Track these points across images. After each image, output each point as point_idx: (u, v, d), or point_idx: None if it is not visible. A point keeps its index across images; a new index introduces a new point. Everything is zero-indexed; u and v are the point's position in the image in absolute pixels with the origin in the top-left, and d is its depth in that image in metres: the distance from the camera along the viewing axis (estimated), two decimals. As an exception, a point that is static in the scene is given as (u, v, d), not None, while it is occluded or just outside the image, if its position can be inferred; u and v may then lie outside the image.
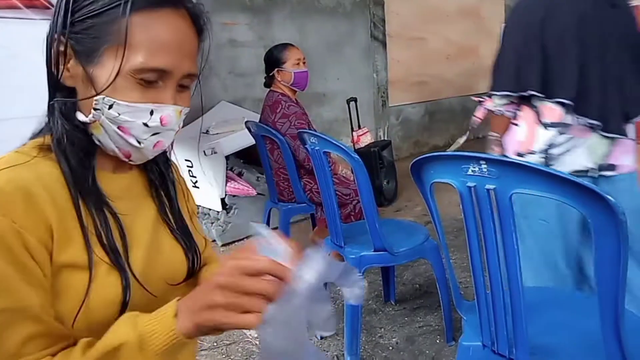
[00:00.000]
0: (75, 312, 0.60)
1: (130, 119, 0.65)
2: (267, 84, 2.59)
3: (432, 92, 5.86)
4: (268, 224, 2.72)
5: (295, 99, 2.54)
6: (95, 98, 0.63)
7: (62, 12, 0.63)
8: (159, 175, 0.79)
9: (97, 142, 0.68)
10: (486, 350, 1.08)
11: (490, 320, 1.03)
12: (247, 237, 3.27)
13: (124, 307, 0.63)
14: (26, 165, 0.61)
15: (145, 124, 0.65)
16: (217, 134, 3.15)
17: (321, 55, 4.48)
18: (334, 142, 1.69)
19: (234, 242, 3.22)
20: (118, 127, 0.65)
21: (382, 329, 2.05)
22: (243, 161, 3.40)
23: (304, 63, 2.52)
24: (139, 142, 0.66)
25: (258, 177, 3.30)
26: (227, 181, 3.12)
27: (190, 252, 0.76)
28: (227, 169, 3.12)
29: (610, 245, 0.80)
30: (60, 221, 0.60)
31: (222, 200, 3.14)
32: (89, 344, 0.58)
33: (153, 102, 0.65)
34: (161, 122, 0.66)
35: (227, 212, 3.18)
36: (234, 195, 3.16)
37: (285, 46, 2.53)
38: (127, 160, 0.69)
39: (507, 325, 0.99)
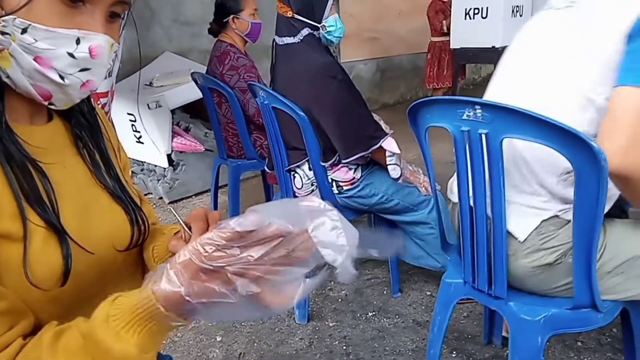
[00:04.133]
0: (18, 290, 0.53)
1: (50, 47, 0.53)
2: (215, 32, 2.46)
3: (383, 49, 5.84)
4: (217, 181, 2.66)
5: (245, 51, 2.44)
6: (2, 19, 0.51)
7: None
8: (87, 128, 0.68)
9: (5, 79, 0.55)
10: (467, 286, 1.16)
11: (474, 260, 1.09)
12: (195, 195, 3.20)
13: (66, 276, 0.57)
14: None
15: (71, 55, 0.54)
16: (162, 86, 3.00)
17: (271, 6, 4.30)
18: (282, 99, 1.64)
19: (181, 199, 3.14)
20: (35, 58, 0.53)
21: (332, 282, 2.10)
22: (190, 115, 3.28)
23: (257, 15, 2.42)
24: (62, 78, 0.55)
25: (206, 133, 3.20)
26: (173, 136, 3.00)
27: (132, 213, 0.68)
28: (173, 124, 3.00)
29: (591, 189, 0.85)
30: None
31: (169, 156, 3.03)
32: (57, 333, 0.51)
33: (79, 28, 0.54)
34: (90, 53, 0.55)
35: (174, 169, 3.09)
36: (180, 152, 3.06)
37: None
38: (46, 103, 0.58)
39: (488, 264, 1.06)
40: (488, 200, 1.00)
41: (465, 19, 4.26)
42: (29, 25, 0.51)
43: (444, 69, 5.17)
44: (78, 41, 0.54)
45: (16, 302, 0.53)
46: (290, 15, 1.70)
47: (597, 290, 0.96)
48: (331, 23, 1.71)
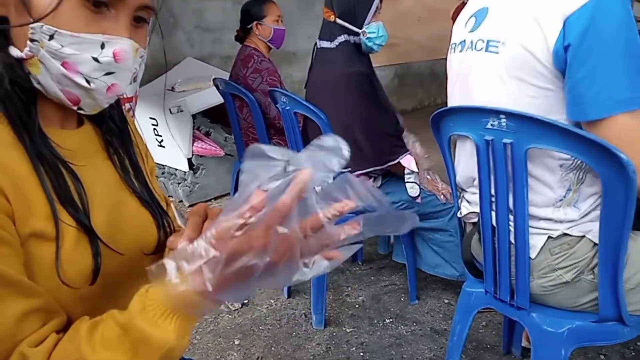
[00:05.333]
0: (45, 287, 0.54)
1: (76, 52, 0.54)
2: (241, 39, 2.51)
3: (401, 55, 5.82)
4: (236, 185, 2.69)
5: (269, 57, 2.48)
6: (31, 26, 0.53)
7: None
8: (118, 135, 0.70)
9: (36, 85, 0.57)
10: (488, 295, 1.15)
11: (495, 270, 1.08)
12: (214, 199, 3.24)
13: (95, 275, 0.58)
14: None
15: (96, 59, 0.55)
16: (183, 91, 3.04)
17: (291, 12, 4.35)
18: (304, 103, 1.66)
19: (201, 202, 3.18)
20: (62, 64, 0.55)
21: (349, 288, 2.11)
22: (210, 120, 3.32)
23: (282, 20, 2.46)
24: (89, 82, 0.56)
25: (226, 138, 3.24)
26: (194, 141, 3.04)
27: (159, 218, 0.70)
28: (194, 128, 3.04)
29: (619, 201, 0.85)
30: (16, 189, 0.52)
31: (189, 160, 3.07)
32: (92, 325, 0.52)
33: (104, 33, 0.55)
34: (115, 57, 0.56)
35: (195, 173, 3.13)
36: (201, 156, 3.10)
37: (266, 0, 2.45)
38: (75, 108, 0.59)
39: (510, 275, 1.05)
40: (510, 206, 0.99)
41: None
42: (56, 31, 0.53)
43: None
44: (103, 46, 0.55)
45: (50, 300, 0.55)
46: (332, 20, 1.68)
47: (625, 304, 0.94)
48: (372, 30, 1.68)
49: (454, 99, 1.14)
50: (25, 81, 0.57)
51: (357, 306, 1.98)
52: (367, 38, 1.68)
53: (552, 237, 0.99)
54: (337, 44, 1.69)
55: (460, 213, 1.20)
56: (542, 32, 0.88)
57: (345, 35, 1.68)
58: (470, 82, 1.05)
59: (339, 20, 1.67)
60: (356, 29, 1.68)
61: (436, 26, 5.78)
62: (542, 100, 0.92)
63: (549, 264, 1.00)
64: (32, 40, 0.54)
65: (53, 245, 0.54)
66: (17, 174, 0.53)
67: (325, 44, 1.72)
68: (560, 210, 0.97)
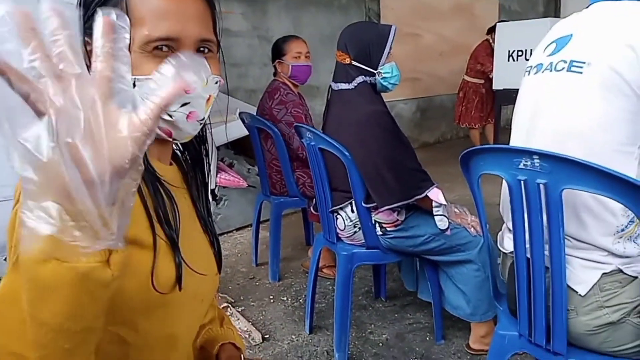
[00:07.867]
0: (136, 291, 0.60)
1: None
2: (274, 73, 2.58)
3: (424, 89, 5.87)
4: (259, 217, 2.69)
5: (298, 92, 2.53)
6: None
7: (80, 13, 0.63)
8: (195, 177, 0.79)
9: None
10: (522, 339, 1.10)
11: (530, 313, 1.04)
12: (236, 230, 3.24)
13: (179, 285, 0.65)
14: None
15: None
16: (209, 124, 3.11)
17: (315, 47, 4.42)
18: (329, 140, 1.67)
19: (223, 233, 3.19)
20: None
21: (372, 325, 2.05)
22: (234, 152, 3.37)
23: (306, 57, 2.49)
24: (170, 115, 0.64)
25: (249, 169, 3.27)
26: (217, 172, 3.08)
27: (215, 245, 0.78)
28: (217, 160, 3.09)
29: None
30: None
31: (212, 191, 3.10)
32: None
33: None
34: (184, 91, 0.64)
35: (217, 204, 3.15)
36: (224, 187, 3.13)
37: (288, 38, 2.52)
38: (169, 138, 0.67)
39: (546, 317, 1.01)
40: (546, 252, 0.96)
41: (509, 60, 4.25)
42: (135, 79, 0.61)
43: (471, 110, 5.10)
44: None
45: None
46: (347, 62, 1.75)
47: None
48: (387, 70, 1.74)
49: (522, 121, 1.13)
50: None
51: (380, 344, 1.92)
52: (383, 78, 1.74)
53: (605, 273, 0.95)
54: (355, 84, 1.74)
55: (504, 248, 1.17)
56: (637, 56, 0.89)
57: (362, 76, 1.74)
58: (545, 101, 1.05)
59: (354, 62, 1.74)
60: (372, 70, 1.74)
61: (457, 61, 5.82)
62: (626, 124, 0.91)
63: (597, 300, 0.96)
64: None
65: (146, 253, 0.62)
66: None
67: (343, 85, 1.78)
68: (620, 243, 0.94)
